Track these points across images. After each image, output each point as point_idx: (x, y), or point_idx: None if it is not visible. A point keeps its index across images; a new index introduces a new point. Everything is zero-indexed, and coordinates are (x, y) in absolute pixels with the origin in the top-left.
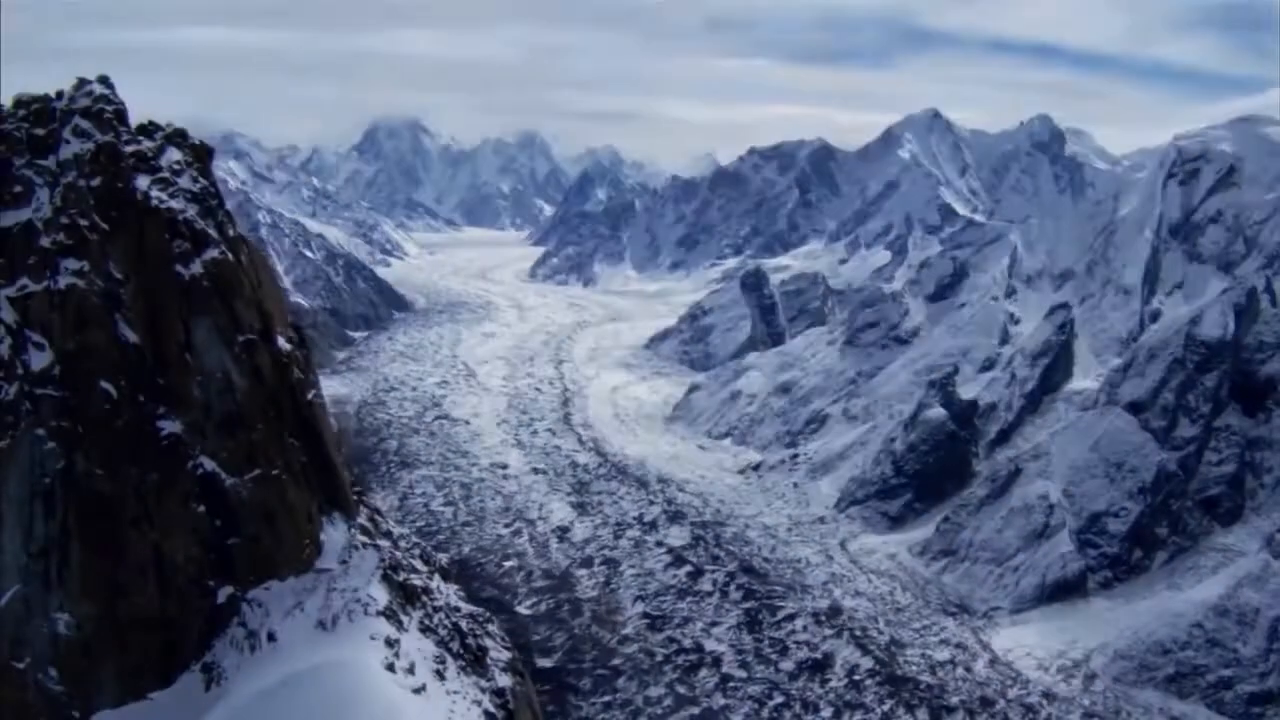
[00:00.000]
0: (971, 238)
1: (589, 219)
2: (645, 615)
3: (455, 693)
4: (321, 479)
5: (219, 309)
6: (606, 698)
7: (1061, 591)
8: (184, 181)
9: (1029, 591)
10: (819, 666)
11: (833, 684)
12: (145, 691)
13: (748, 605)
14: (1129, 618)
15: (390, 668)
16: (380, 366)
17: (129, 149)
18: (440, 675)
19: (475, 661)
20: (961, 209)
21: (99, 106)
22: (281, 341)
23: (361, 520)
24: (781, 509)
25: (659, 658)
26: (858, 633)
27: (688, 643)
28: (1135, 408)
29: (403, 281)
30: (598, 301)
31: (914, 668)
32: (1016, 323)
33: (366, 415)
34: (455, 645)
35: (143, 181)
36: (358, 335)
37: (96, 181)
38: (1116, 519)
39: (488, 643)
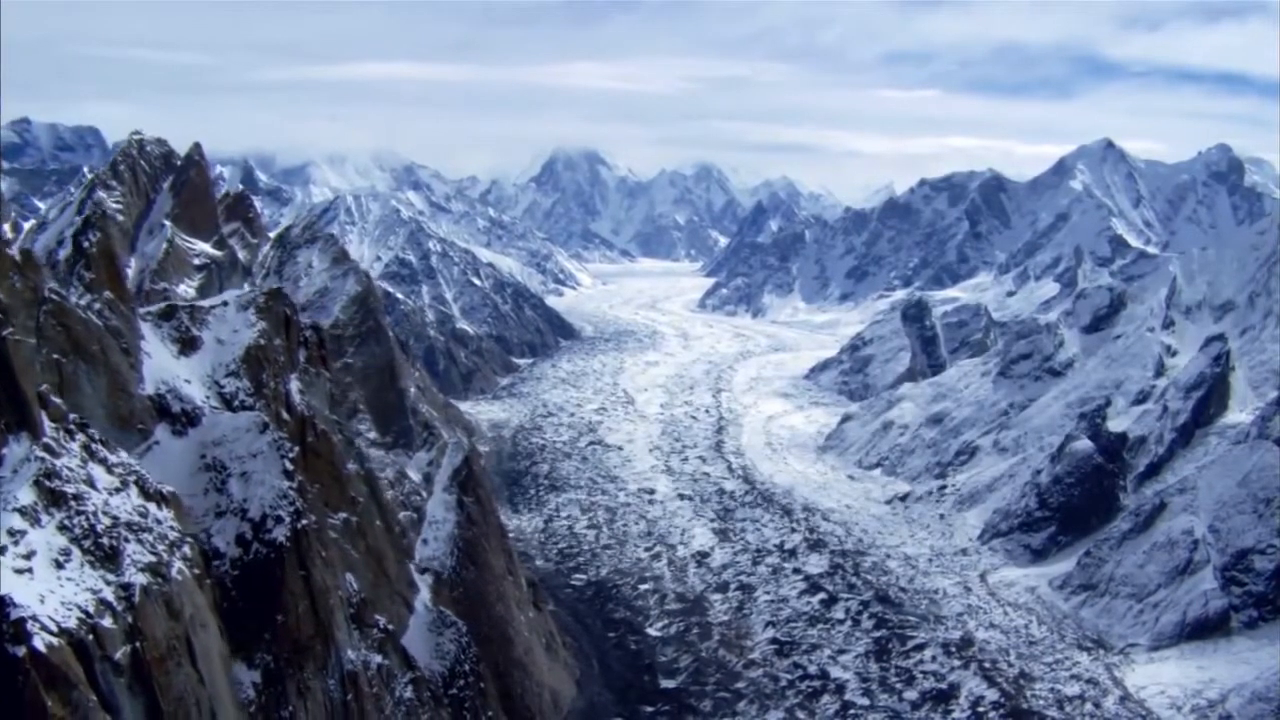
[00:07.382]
0: (1142, 270)
1: (759, 250)
2: (774, 641)
3: (70, 579)
4: (11, 405)
5: None
6: None
7: (1203, 630)
8: None
9: (1168, 629)
10: (943, 697)
11: (955, 715)
12: None
13: (878, 634)
14: (1271, 659)
15: (1, 550)
16: (541, 393)
17: None
18: (59, 565)
19: (106, 559)
20: (1134, 241)
21: None
22: None
23: (54, 442)
24: (924, 540)
25: (783, 683)
26: (987, 665)
27: (813, 669)
28: None
29: (572, 310)
30: (764, 332)
31: (1040, 702)
32: (1173, 354)
33: (522, 440)
34: (88, 543)
35: None
36: (522, 362)
37: None
38: (1263, 556)
39: (132, 546)
